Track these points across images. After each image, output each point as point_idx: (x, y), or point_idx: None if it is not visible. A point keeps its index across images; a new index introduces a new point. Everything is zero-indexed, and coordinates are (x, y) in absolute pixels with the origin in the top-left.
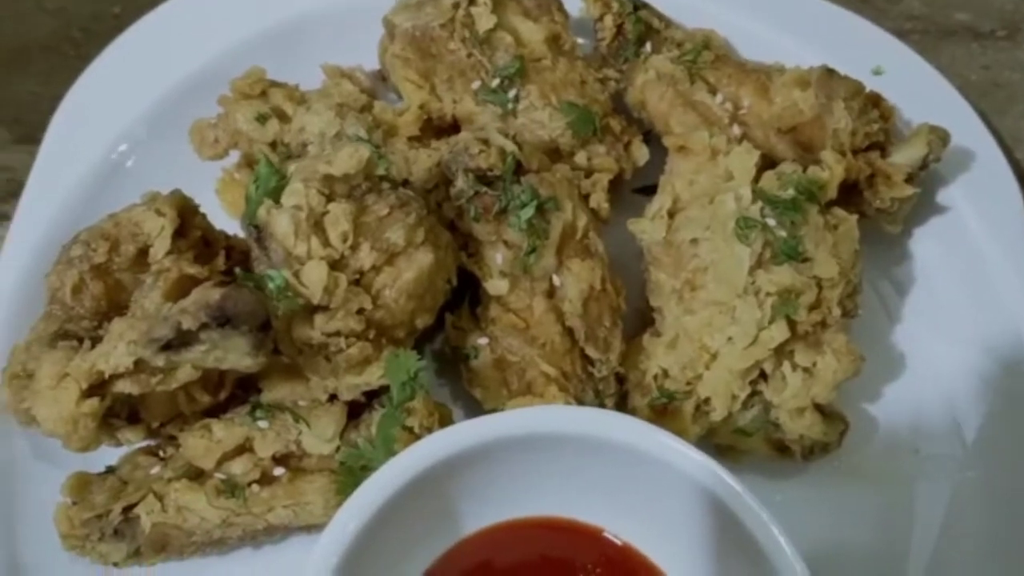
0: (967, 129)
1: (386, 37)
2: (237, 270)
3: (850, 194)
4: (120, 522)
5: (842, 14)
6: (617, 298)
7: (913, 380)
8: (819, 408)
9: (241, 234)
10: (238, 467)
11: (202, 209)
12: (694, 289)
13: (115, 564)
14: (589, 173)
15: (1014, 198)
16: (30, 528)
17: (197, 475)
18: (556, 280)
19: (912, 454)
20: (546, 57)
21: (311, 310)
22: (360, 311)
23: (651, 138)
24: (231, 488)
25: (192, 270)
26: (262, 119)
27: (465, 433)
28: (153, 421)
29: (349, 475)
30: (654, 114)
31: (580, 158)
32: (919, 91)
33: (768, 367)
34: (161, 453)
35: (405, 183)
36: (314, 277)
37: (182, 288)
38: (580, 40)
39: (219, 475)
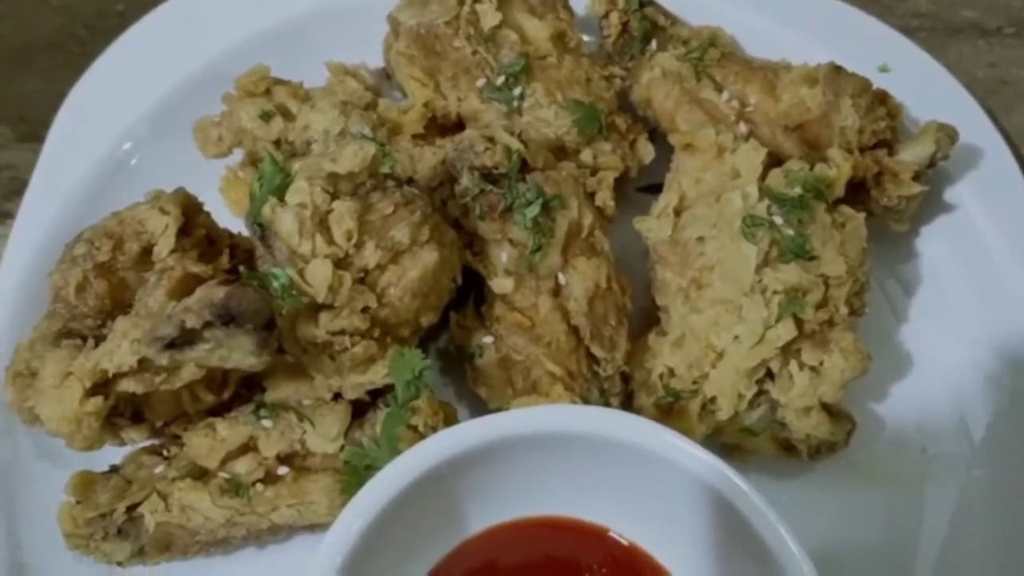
0: (974, 127)
1: (391, 34)
2: (241, 268)
3: (857, 192)
4: (124, 521)
5: (849, 11)
6: (623, 297)
7: (920, 379)
8: (826, 407)
9: (245, 232)
10: (242, 466)
11: (206, 207)
12: (700, 288)
13: (119, 563)
14: (595, 171)
15: (1022, 196)
16: (34, 527)
17: (201, 474)
18: (561, 279)
19: (919, 453)
20: (551, 55)
21: (315, 309)
22: (365, 309)
23: (657, 136)
24: (235, 487)
25: (196, 268)
26: (266, 117)
27: (470, 432)
28: (157, 420)
29: (353, 474)
30: (660, 112)
31: (586, 156)
32: (926, 88)
33: (775, 366)
34: (165, 452)
35: (410, 181)
36: (318, 275)
37: (186, 287)
38: (585, 37)
39: (223, 474)
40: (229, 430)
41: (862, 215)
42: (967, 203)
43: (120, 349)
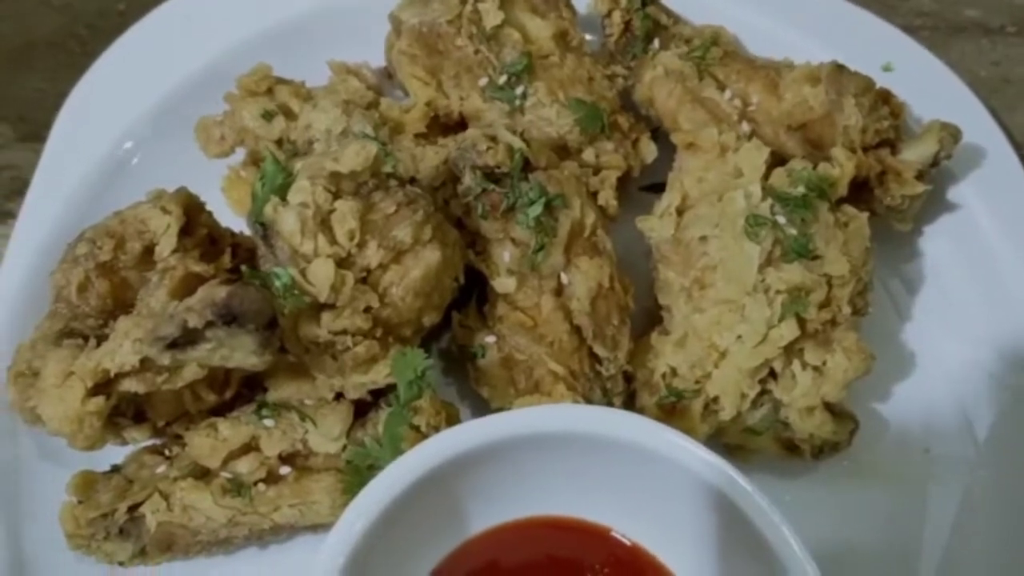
0: (977, 126)
1: (393, 33)
2: (243, 268)
3: (860, 191)
4: (126, 521)
5: (852, 10)
6: (625, 296)
7: (924, 378)
8: (829, 407)
9: (247, 232)
10: (244, 466)
11: (208, 207)
12: (703, 287)
13: (120, 563)
14: (597, 170)
15: None
16: (35, 527)
17: (203, 474)
18: (564, 278)
19: (923, 453)
20: (554, 54)
21: (318, 308)
22: (367, 309)
23: (659, 135)
24: (237, 487)
25: (198, 268)
26: (268, 116)
27: (472, 432)
28: (159, 420)
29: (356, 474)
30: (662, 111)
31: (588, 155)
32: (929, 87)
33: (778, 366)
34: (167, 452)
35: (412, 180)
36: (321, 275)
37: (188, 286)
38: (588, 36)
39: (225, 474)
40: (231, 430)
41: (865, 214)
42: (970, 202)
43: (122, 349)
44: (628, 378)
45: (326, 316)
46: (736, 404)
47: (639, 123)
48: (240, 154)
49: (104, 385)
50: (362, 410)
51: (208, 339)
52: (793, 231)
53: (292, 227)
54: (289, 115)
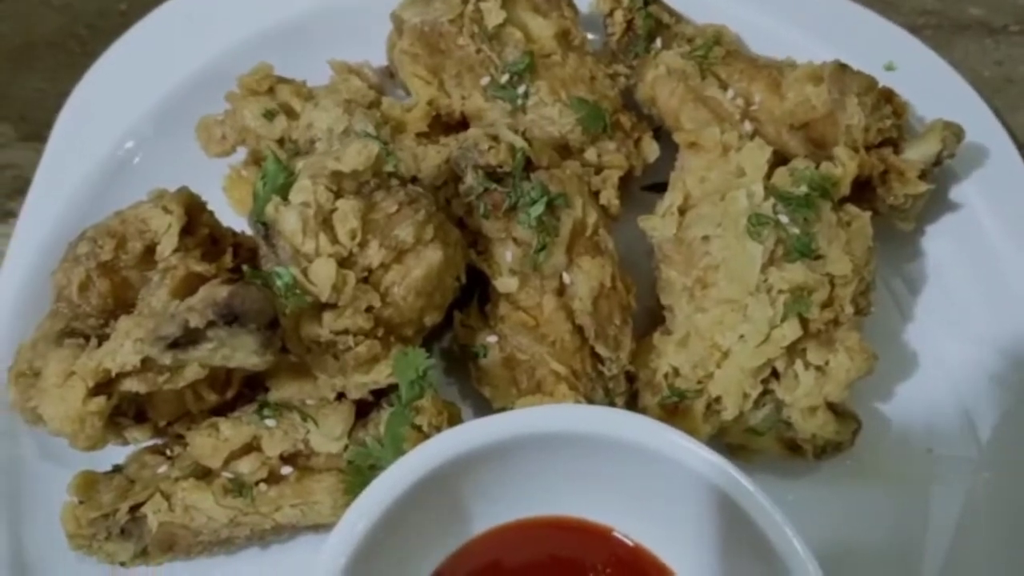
0: (980, 125)
1: (394, 33)
2: (245, 267)
3: (863, 191)
4: (127, 521)
5: (854, 9)
6: (627, 296)
7: (926, 379)
8: (832, 407)
9: (249, 231)
10: (245, 466)
11: (209, 206)
12: (705, 287)
13: (122, 564)
14: (599, 170)
15: None
16: (37, 527)
17: (204, 474)
18: (566, 278)
19: (925, 453)
20: (556, 53)
21: (319, 308)
22: (368, 309)
23: (661, 134)
24: (238, 487)
25: (199, 268)
26: (269, 115)
27: (474, 432)
28: (160, 420)
29: (357, 474)
30: (664, 110)
31: (590, 154)
32: (932, 87)
33: (780, 365)
34: (168, 452)
35: (414, 180)
36: (322, 274)
37: (189, 286)
38: (590, 36)
39: (226, 474)
40: (232, 430)
41: (868, 214)
42: (973, 202)
43: (123, 348)
44: (630, 378)
45: (328, 316)
46: (738, 404)
47: (641, 122)
48: (241, 153)
49: (105, 385)
50: (364, 410)
51: (209, 339)
52: (795, 230)
53: (293, 226)
54: (290, 114)
